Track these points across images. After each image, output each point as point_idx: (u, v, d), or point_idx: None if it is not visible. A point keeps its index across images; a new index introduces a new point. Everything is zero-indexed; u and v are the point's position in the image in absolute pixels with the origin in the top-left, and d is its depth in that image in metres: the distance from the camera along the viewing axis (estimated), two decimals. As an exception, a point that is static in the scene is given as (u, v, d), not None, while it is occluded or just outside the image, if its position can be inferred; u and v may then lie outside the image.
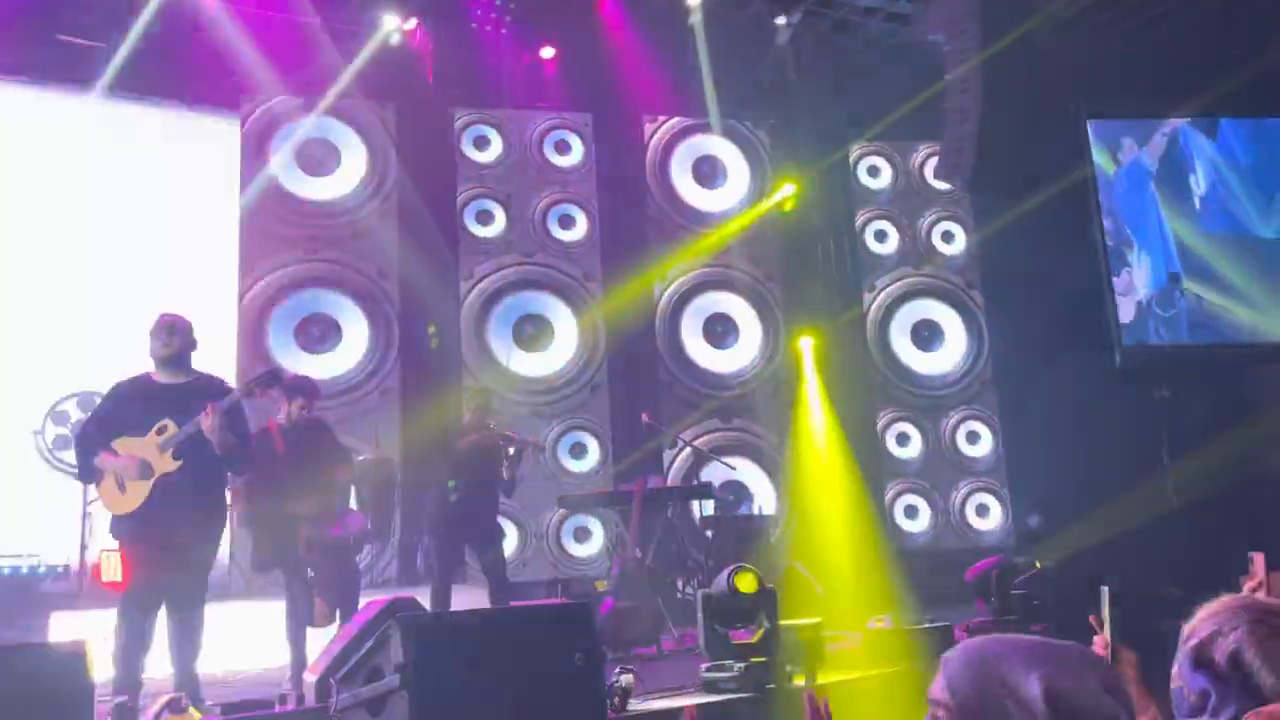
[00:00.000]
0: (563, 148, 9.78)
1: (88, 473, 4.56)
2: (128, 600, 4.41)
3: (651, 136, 10.03)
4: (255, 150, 8.75)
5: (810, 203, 10.17)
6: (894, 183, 10.52)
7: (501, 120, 9.61)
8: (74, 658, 2.88)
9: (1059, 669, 1.24)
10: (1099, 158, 9.61)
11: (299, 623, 5.09)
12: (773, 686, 4.25)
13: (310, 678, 3.60)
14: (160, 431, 4.45)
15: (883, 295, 10.23)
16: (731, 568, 4.36)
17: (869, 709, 4.45)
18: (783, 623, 4.46)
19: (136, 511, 4.39)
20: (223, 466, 4.64)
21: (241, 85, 8.67)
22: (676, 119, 10.10)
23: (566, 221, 9.64)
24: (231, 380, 6.09)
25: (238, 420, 4.61)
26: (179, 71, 8.37)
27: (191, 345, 4.68)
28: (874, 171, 10.56)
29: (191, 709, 2.75)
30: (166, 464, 4.41)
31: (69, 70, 8.09)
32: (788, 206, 10.12)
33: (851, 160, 10.46)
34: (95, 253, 8.12)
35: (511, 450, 6.48)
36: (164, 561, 4.37)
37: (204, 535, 4.56)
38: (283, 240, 8.71)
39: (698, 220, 10.01)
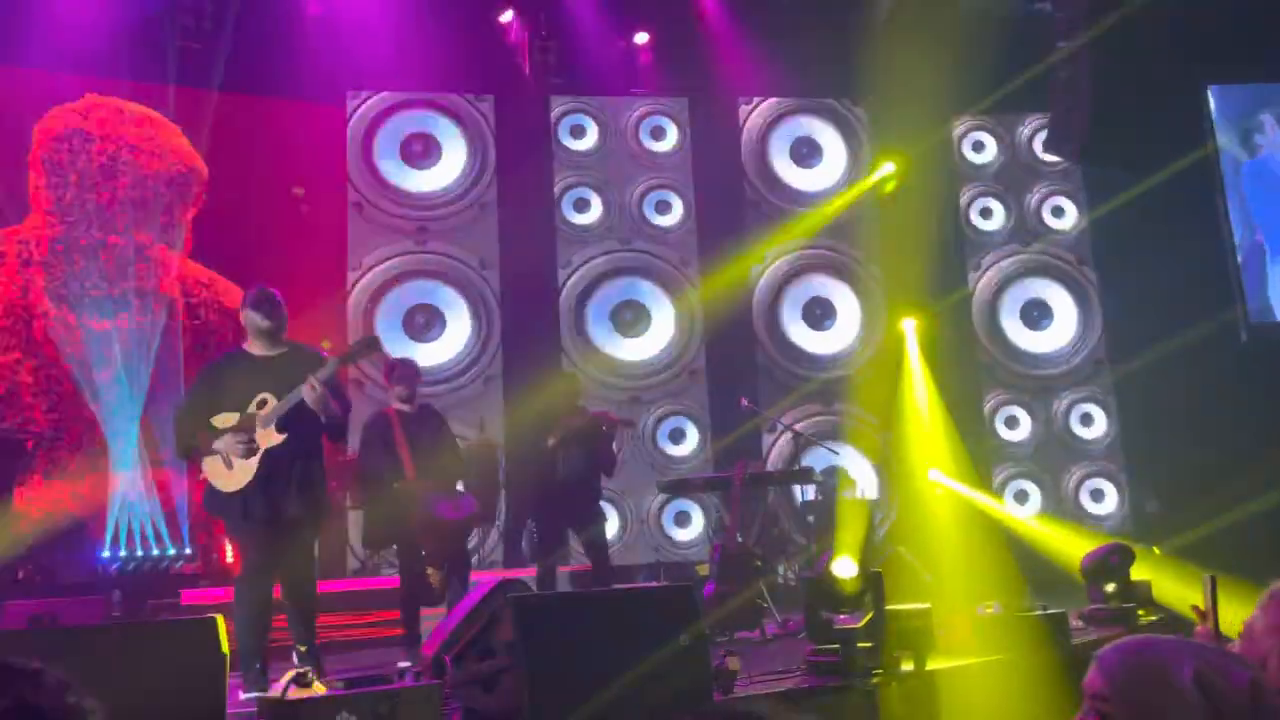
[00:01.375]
0: (658, 133, 9.78)
1: (187, 452, 4.58)
2: (242, 576, 4.50)
3: (747, 119, 9.95)
4: (361, 143, 9.01)
5: (911, 181, 9.92)
6: (1000, 157, 10.20)
7: (597, 108, 9.66)
8: (207, 631, 3.03)
9: (1206, 659, 1.31)
10: (1225, 133, 9.12)
11: (412, 601, 5.25)
12: (880, 673, 4.20)
13: (425, 654, 3.73)
14: (261, 405, 4.41)
15: (989, 274, 9.94)
16: (830, 553, 4.31)
17: (980, 697, 4.36)
18: (889, 608, 4.40)
19: (245, 487, 4.38)
20: (321, 436, 4.57)
21: (347, 80, 8.93)
22: (773, 100, 9.98)
23: (663, 207, 9.65)
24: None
25: (338, 388, 4.58)
26: (287, 67, 8.65)
27: (286, 317, 4.65)
28: (979, 146, 10.25)
29: (316, 683, 2.87)
30: (271, 437, 4.37)
31: (189, 70, 8.45)
32: (888, 186, 9.90)
33: (955, 135, 10.18)
34: (212, 246, 8.50)
35: (604, 428, 6.57)
36: (275, 535, 4.40)
37: (311, 505, 4.51)
38: (389, 231, 8.96)
39: (795, 202, 9.89)
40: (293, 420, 4.37)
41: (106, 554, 7.46)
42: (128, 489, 7.88)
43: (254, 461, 4.36)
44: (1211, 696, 1.26)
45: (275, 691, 2.93)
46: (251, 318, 4.57)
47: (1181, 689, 1.28)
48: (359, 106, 9.05)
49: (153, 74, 8.30)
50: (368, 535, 5.72)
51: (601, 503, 6.76)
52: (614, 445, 6.65)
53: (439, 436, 5.57)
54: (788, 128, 10.02)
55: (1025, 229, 10.04)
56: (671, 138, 9.76)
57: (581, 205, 9.54)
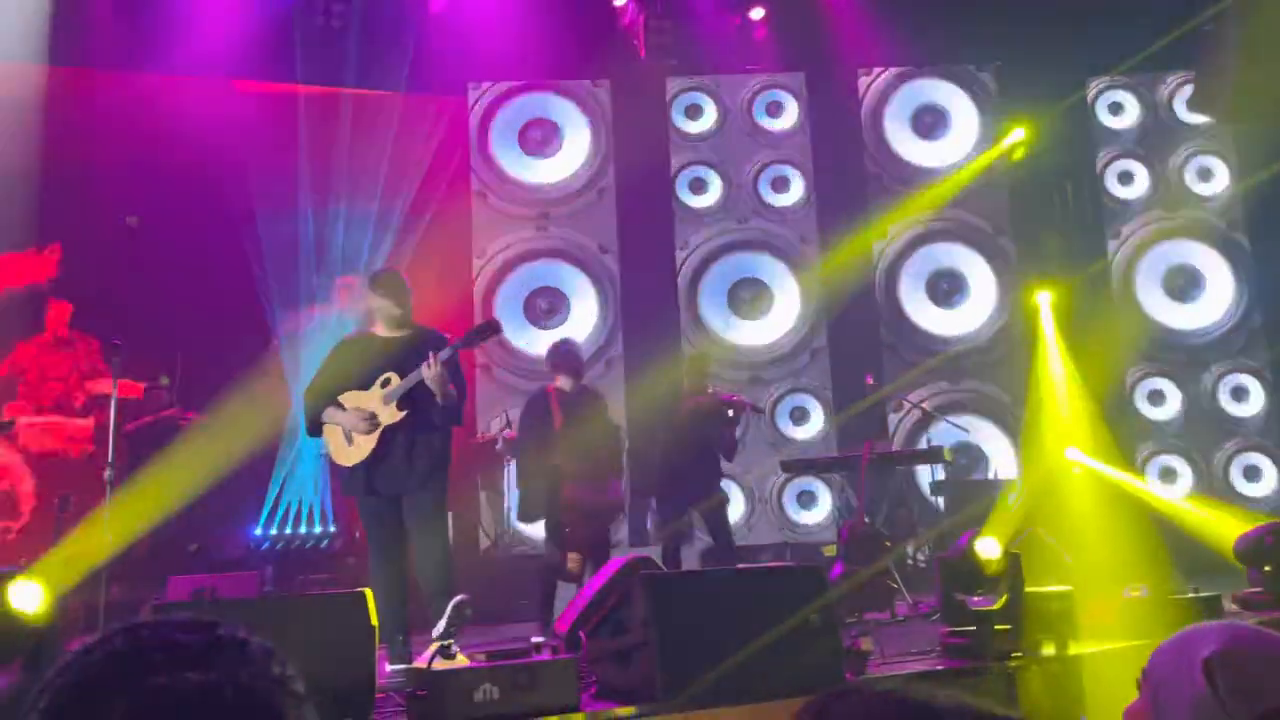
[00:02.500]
0: (774, 109, 9.65)
1: (314, 427, 4.71)
2: (371, 552, 4.66)
3: (867, 90, 9.71)
4: (482, 133, 9.21)
5: (1044, 147, 9.49)
6: (1140, 119, 9.66)
7: (713, 86, 9.60)
8: (356, 605, 3.19)
9: (1240, 645, 1.27)
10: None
11: (550, 576, 5.35)
12: (1019, 656, 4.08)
13: (559, 630, 3.81)
14: (384, 384, 4.53)
15: (1130, 242, 9.45)
16: (972, 533, 4.19)
17: (1127, 683, 4.18)
18: (1028, 590, 4.26)
19: (364, 463, 4.52)
20: (440, 417, 4.61)
21: (468, 71, 9.14)
22: (894, 69, 9.71)
23: (780, 184, 9.53)
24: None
25: (457, 370, 4.64)
26: (410, 59, 8.90)
27: (410, 299, 4.76)
28: (1116, 108, 9.73)
29: (460, 655, 2.98)
30: (392, 415, 4.49)
31: (312, 67, 8.80)
32: (1018, 153, 9.51)
33: (1090, 98, 9.69)
34: (347, 239, 8.86)
35: (730, 413, 6.55)
36: (395, 511, 4.53)
37: (429, 482, 4.58)
38: (512, 219, 9.14)
39: (919, 173, 9.60)
40: (412, 400, 4.49)
41: (259, 531, 7.90)
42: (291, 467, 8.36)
43: (373, 438, 4.50)
44: (1219, 684, 1.21)
45: (420, 663, 3.05)
46: (378, 300, 4.71)
47: (1191, 671, 1.25)
48: (479, 97, 9.24)
49: (282, 74, 8.69)
50: (522, 510, 5.91)
51: (723, 483, 6.78)
52: (737, 430, 6.65)
53: (594, 419, 5.68)
54: (910, 97, 9.73)
55: (1169, 194, 9.49)
56: (789, 113, 9.62)
57: (698, 186, 9.51)
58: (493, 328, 5.04)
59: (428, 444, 4.58)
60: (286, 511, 8.31)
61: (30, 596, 2.81)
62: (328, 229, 8.84)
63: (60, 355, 7.53)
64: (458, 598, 4.14)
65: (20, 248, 7.98)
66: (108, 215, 7.02)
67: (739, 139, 9.51)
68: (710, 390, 6.69)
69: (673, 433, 6.43)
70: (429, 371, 4.39)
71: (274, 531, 8.38)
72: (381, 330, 4.75)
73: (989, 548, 4.11)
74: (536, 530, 8.07)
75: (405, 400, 4.50)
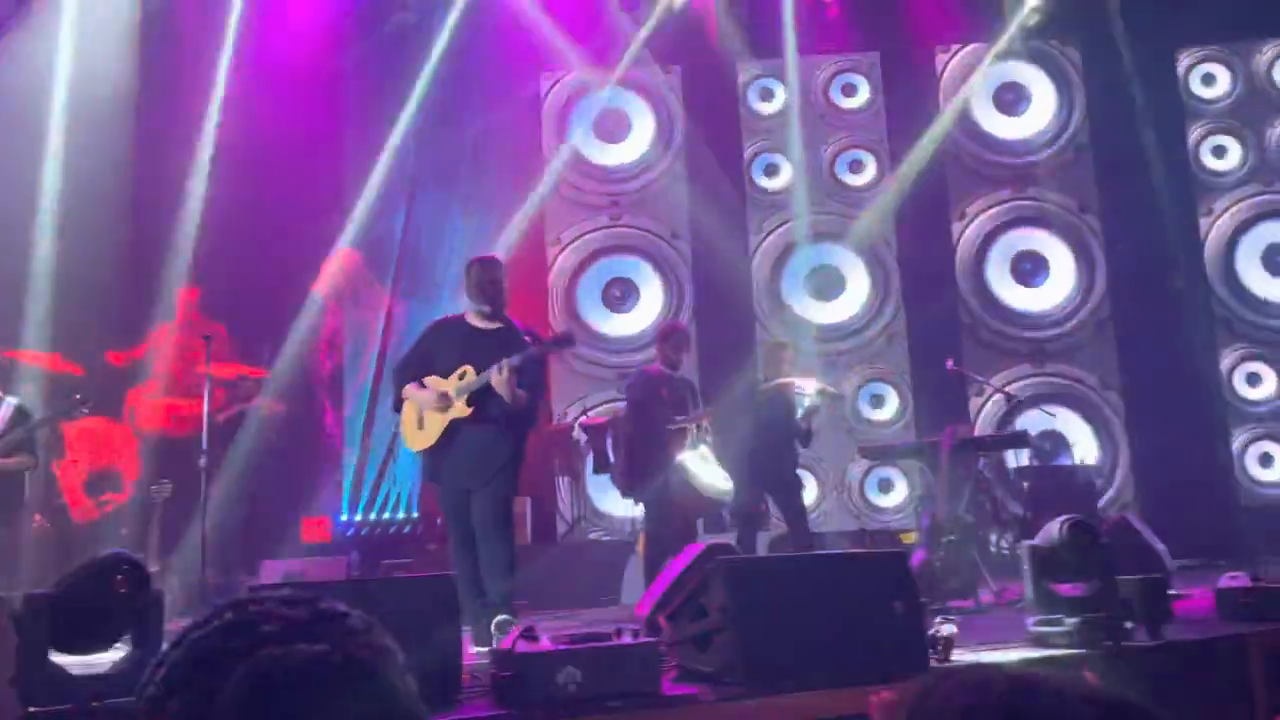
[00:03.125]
0: (849, 91, 9.51)
1: (397, 403, 4.67)
2: (451, 538, 4.67)
3: (944, 68, 9.49)
4: (556, 122, 9.27)
5: (1132, 121, 9.17)
6: (1234, 90, 9.25)
7: (785, 70, 9.49)
8: (442, 587, 3.25)
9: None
10: None
11: (660, 560, 5.24)
12: (1110, 644, 3.97)
13: (639, 615, 3.84)
14: (461, 376, 4.47)
15: (1224, 218, 9.07)
16: (1063, 519, 4.08)
17: (1221, 671, 4.04)
18: (1120, 578, 4.13)
19: (429, 450, 4.51)
20: (509, 414, 4.51)
21: (541, 60, 9.20)
22: (973, 46, 9.46)
23: (856, 166, 9.39)
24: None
25: (531, 374, 4.54)
26: (486, 50, 8.99)
27: (504, 292, 4.66)
28: (1209, 80, 9.34)
29: (543, 638, 3.02)
30: (461, 409, 4.44)
31: (390, 61, 8.95)
32: (1102, 129, 9.20)
33: (1180, 70, 9.32)
34: (428, 230, 9.02)
35: (808, 401, 6.50)
36: (459, 499, 4.51)
37: (494, 482, 4.49)
38: (585, 208, 9.19)
39: (1001, 152, 9.36)
40: (482, 398, 4.43)
41: (345, 517, 8.12)
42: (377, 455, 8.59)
43: (440, 426, 4.48)
44: None
45: (504, 646, 3.10)
46: (472, 289, 4.67)
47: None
48: (552, 86, 9.29)
49: (359, 69, 8.87)
50: (624, 479, 5.91)
51: (799, 469, 6.73)
52: (816, 417, 6.58)
53: (692, 401, 5.72)
54: (991, 74, 9.47)
55: (1266, 167, 9.09)
56: (863, 94, 9.46)
57: (771, 170, 9.42)
58: (567, 339, 4.98)
59: (494, 443, 4.51)
60: (371, 498, 8.53)
61: (132, 576, 2.91)
62: (415, 222, 9.03)
63: (184, 339, 7.84)
64: (498, 618, 4.18)
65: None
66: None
67: (812, 121, 9.39)
68: (789, 377, 6.64)
69: (750, 419, 6.40)
70: (497, 377, 4.34)
71: (359, 517, 8.60)
72: (473, 319, 4.69)
73: (1078, 533, 4.00)
74: (613, 514, 8.15)
75: (475, 397, 4.44)
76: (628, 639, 3.10)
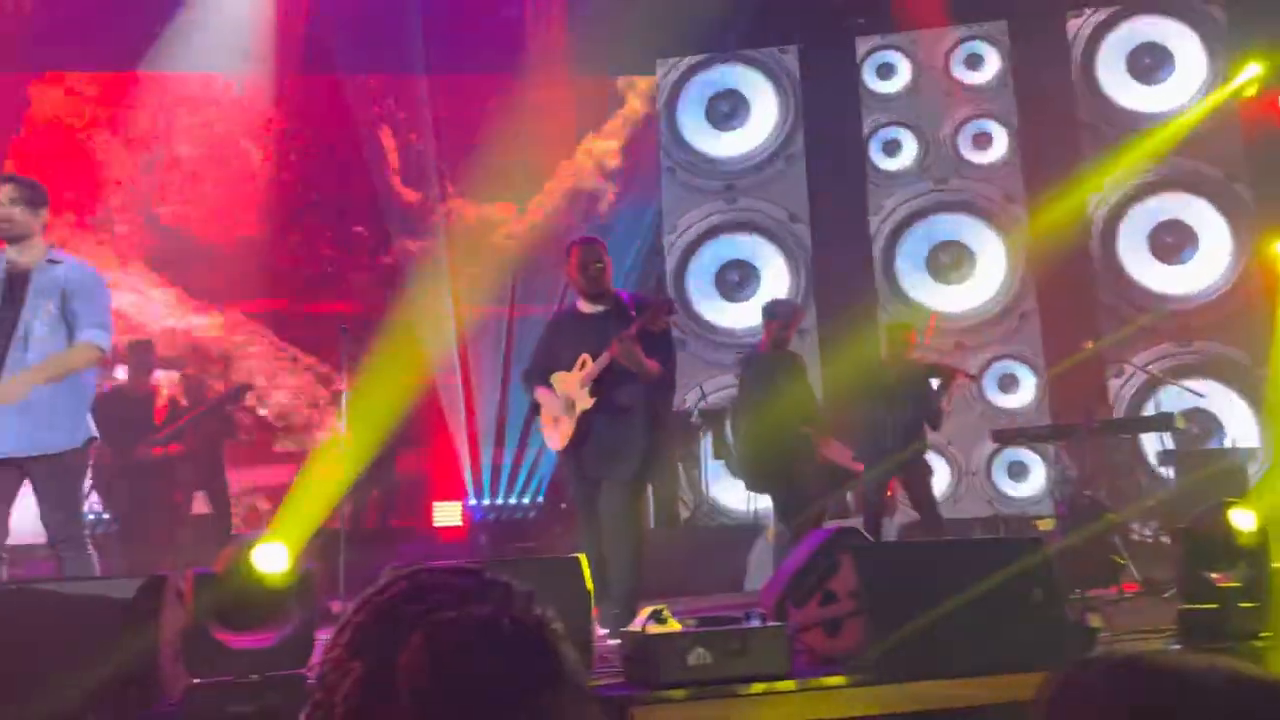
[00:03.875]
0: (974, 62, 9.18)
1: (534, 407, 4.63)
2: (581, 530, 4.60)
3: (1077, 33, 9.05)
4: (672, 108, 9.27)
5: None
6: None
7: (906, 43, 9.24)
8: (572, 569, 3.32)
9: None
10: None
11: (785, 545, 5.21)
12: (1268, 635, 3.74)
13: (765, 599, 3.82)
14: (581, 367, 4.38)
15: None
16: (1216, 504, 3.87)
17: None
18: (1275, 566, 3.89)
19: (565, 448, 4.45)
20: (640, 396, 4.38)
21: (657, 47, 9.22)
22: (1107, 8, 8.99)
23: (982, 141, 9.07)
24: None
25: (655, 342, 4.34)
26: (599, 37, 9.07)
27: (603, 272, 4.49)
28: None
29: (671, 620, 3.05)
30: (585, 400, 4.34)
31: (500, 52, 9.14)
32: (1252, 91, 8.60)
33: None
34: (527, 213, 9.20)
35: (937, 382, 6.34)
36: (591, 490, 4.44)
37: (624, 469, 4.39)
38: (701, 192, 9.18)
39: (1139, 120, 8.86)
40: (603, 383, 4.33)
41: (472, 503, 8.37)
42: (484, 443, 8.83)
43: (572, 423, 4.40)
44: None
45: (634, 627, 3.14)
46: (575, 274, 4.53)
47: None
48: (669, 72, 9.30)
49: (473, 62, 9.09)
50: (750, 473, 5.84)
51: (928, 455, 6.57)
52: (945, 399, 6.42)
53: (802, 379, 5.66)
54: (1127, 38, 8.98)
55: None
56: (990, 65, 9.12)
57: (892, 148, 9.20)
58: (667, 304, 4.63)
59: (624, 431, 4.39)
60: (500, 484, 8.78)
61: (276, 558, 3.07)
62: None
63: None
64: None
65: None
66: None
67: (935, 96, 9.11)
68: (914, 359, 6.49)
69: (875, 402, 6.28)
70: (620, 349, 4.22)
71: (486, 502, 8.86)
72: (582, 305, 4.60)
73: (1244, 519, 3.78)
74: (734, 500, 8.15)
75: (597, 385, 4.34)
76: (756, 622, 3.10)
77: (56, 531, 3.68)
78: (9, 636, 2.83)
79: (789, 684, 3.13)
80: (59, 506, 3.68)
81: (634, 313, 4.41)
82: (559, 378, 4.49)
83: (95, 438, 3.83)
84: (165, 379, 7.46)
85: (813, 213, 9.02)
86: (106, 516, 5.94)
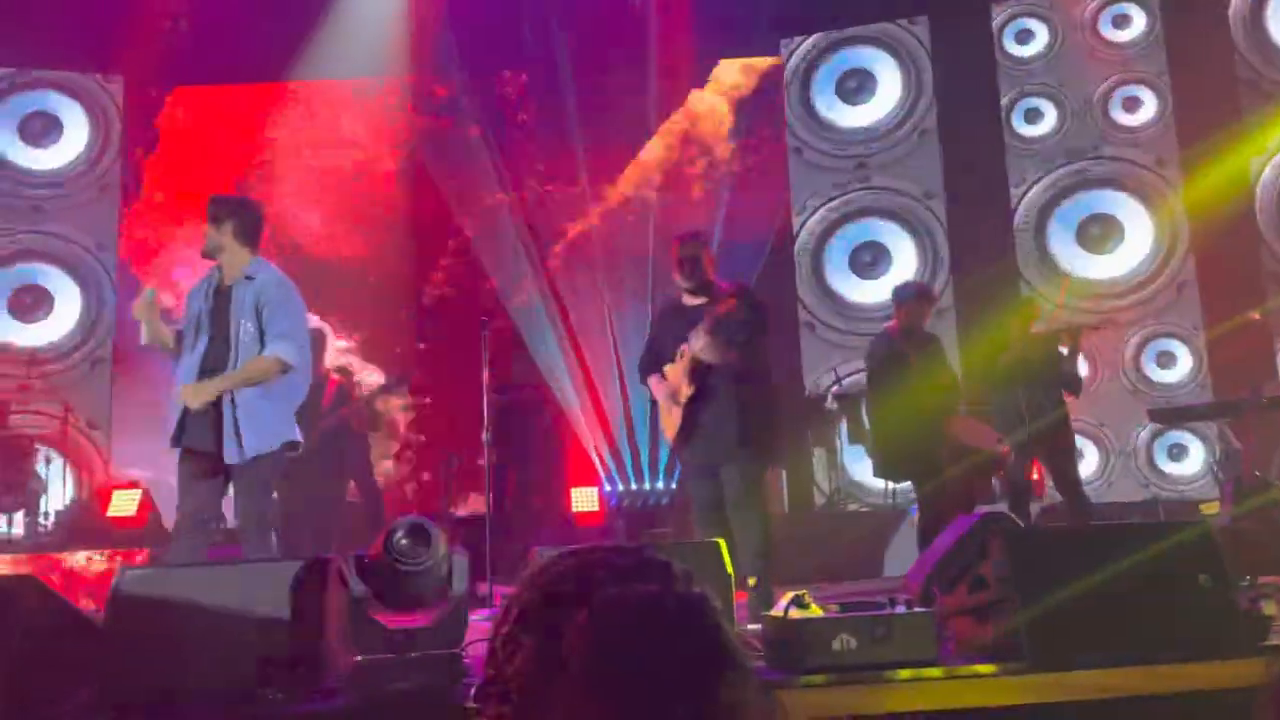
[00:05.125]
0: (1121, 21, 8.69)
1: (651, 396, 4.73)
2: (698, 518, 4.63)
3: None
4: (797, 89, 9.13)
5: None
6: None
7: (1044, 6, 8.82)
8: (712, 553, 3.35)
9: None
10: None
11: (930, 530, 5.09)
12: None
13: (910, 584, 3.75)
14: (681, 357, 4.48)
15: None
16: None
17: None
18: None
19: (676, 438, 4.55)
20: (733, 383, 4.42)
21: (779, 27, 9.10)
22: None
23: (1131, 104, 8.58)
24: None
25: (735, 330, 4.37)
26: (723, 23, 9.03)
27: (700, 267, 4.54)
28: None
29: (814, 605, 3.03)
30: (687, 390, 4.44)
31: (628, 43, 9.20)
32: None
33: None
34: (665, 206, 9.22)
35: (1064, 347, 6.09)
36: (701, 477, 4.52)
37: (730, 453, 4.42)
38: (829, 172, 9.01)
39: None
40: (701, 373, 4.40)
41: (607, 489, 8.51)
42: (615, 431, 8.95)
43: (678, 411, 4.50)
44: None
45: (776, 611, 3.13)
46: (675, 269, 4.61)
47: None
48: (793, 53, 9.16)
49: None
50: (882, 461, 5.75)
51: (1076, 435, 6.30)
52: (1075, 361, 6.14)
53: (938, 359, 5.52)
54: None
55: None
56: (1138, 23, 8.62)
57: (1033, 116, 8.81)
58: (743, 290, 4.57)
59: (722, 418, 4.43)
60: (632, 469, 8.89)
61: (416, 540, 3.22)
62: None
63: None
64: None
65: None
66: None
67: (1079, 59, 8.67)
68: (1038, 329, 6.23)
69: (1008, 383, 6.06)
70: (696, 344, 4.32)
71: (621, 488, 8.99)
72: (684, 297, 4.67)
73: None
74: (871, 485, 8.00)
75: (696, 375, 4.42)
76: (902, 608, 3.05)
77: (244, 522, 4.02)
78: (191, 613, 3.05)
79: (936, 671, 3.07)
80: (250, 502, 4.00)
81: (720, 304, 4.44)
82: (668, 369, 4.58)
83: (292, 442, 4.10)
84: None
85: (948, 188, 8.74)
86: (275, 497, 6.31)
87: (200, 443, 3.96)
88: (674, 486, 8.88)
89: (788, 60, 9.17)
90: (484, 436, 5.50)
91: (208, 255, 4.09)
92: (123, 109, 9.05)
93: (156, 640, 2.97)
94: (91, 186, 8.96)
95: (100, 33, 8.53)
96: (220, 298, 4.04)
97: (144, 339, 4.10)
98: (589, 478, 8.74)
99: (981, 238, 8.72)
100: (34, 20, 8.09)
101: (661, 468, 9.07)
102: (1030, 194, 8.65)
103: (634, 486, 9.16)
